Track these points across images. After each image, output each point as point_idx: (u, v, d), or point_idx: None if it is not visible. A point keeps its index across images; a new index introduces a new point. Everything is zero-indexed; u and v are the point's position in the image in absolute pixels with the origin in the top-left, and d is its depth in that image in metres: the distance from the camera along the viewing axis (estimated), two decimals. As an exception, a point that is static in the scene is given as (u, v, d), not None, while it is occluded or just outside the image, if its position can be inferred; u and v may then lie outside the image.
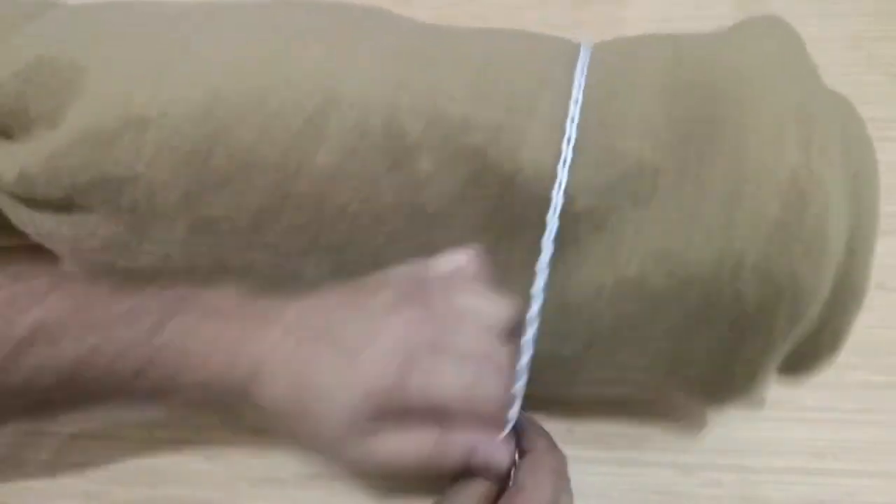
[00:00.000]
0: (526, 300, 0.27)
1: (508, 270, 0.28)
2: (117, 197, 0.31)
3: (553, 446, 0.28)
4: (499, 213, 0.27)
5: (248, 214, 0.29)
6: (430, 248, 0.28)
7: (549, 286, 0.27)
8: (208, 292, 0.27)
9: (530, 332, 0.26)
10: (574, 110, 0.26)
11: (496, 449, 0.25)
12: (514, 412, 0.26)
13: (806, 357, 0.28)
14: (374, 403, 0.24)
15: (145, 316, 0.26)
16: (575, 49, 0.29)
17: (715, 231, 0.24)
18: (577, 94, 0.27)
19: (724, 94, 0.26)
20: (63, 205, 0.33)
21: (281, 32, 0.30)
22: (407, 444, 0.24)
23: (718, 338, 0.26)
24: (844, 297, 0.26)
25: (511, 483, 0.26)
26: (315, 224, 0.29)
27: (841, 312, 0.27)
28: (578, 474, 0.33)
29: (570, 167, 0.26)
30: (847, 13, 0.48)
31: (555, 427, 0.32)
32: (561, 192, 0.26)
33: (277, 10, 0.32)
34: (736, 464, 0.33)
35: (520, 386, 0.26)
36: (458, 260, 0.28)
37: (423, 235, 0.28)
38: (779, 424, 0.34)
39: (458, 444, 0.25)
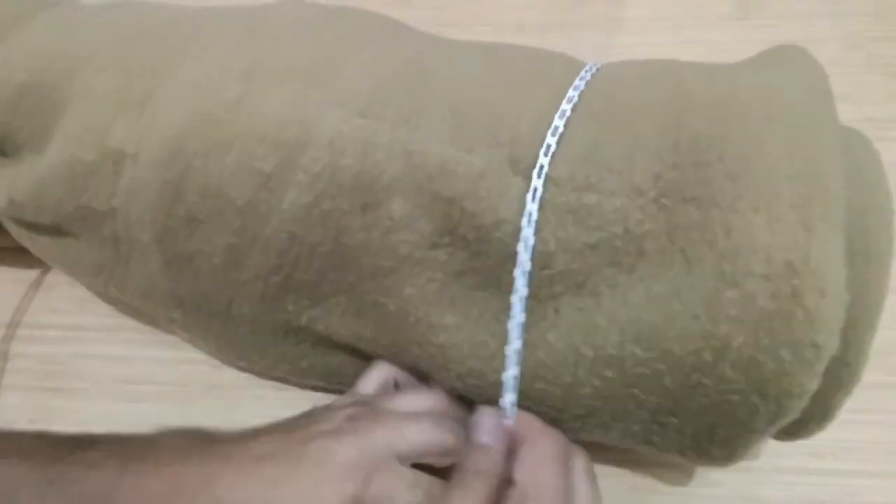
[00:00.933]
0: (500, 356, 0.26)
1: (481, 322, 0.27)
2: (98, 228, 0.31)
3: (545, 428, 0.26)
4: (475, 262, 0.26)
5: (220, 253, 0.29)
6: (403, 288, 0.27)
7: (526, 344, 0.26)
8: (163, 437, 0.26)
9: (509, 401, 0.26)
10: (544, 171, 0.25)
11: None
12: None
13: (794, 429, 0.26)
14: None
15: (104, 466, 0.24)
16: (575, 76, 0.28)
17: (701, 311, 0.23)
18: (553, 145, 0.25)
19: (725, 154, 0.23)
20: (52, 229, 0.33)
21: (259, 63, 0.29)
22: None
23: (696, 420, 0.25)
24: (837, 382, 0.24)
25: (512, 481, 0.25)
26: (288, 264, 0.28)
27: (832, 395, 0.25)
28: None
29: (552, 225, 0.25)
30: (847, 13, 0.48)
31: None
32: (528, 253, 0.25)
33: (260, 34, 0.31)
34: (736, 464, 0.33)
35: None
36: (381, 376, 0.29)
37: (395, 276, 0.27)
38: (779, 424, 0.34)
39: None
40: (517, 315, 0.25)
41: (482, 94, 0.28)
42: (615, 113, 0.26)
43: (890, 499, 0.32)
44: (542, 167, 0.25)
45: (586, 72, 0.28)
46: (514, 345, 0.26)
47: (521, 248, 0.25)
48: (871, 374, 0.33)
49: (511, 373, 0.26)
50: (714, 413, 0.24)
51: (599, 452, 0.34)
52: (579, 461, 0.27)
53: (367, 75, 0.28)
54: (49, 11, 0.35)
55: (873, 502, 0.32)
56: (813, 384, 0.22)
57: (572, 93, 0.27)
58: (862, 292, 0.23)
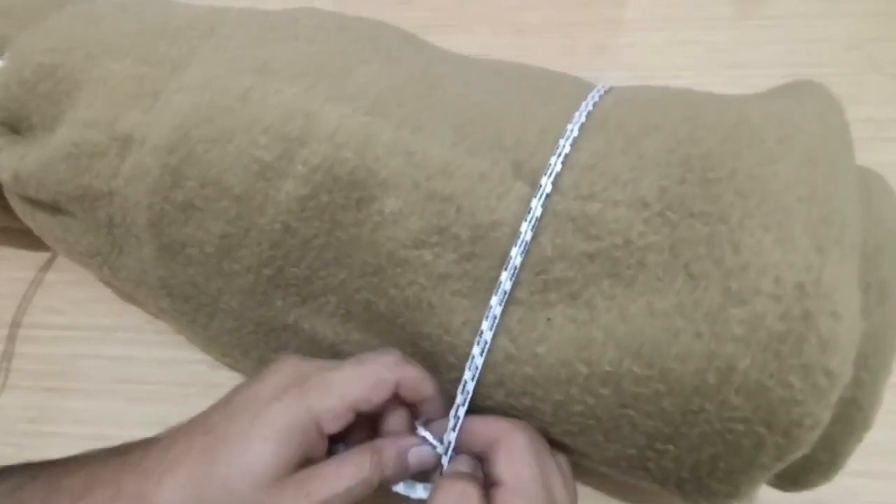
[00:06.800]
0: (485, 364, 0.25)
1: (464, 331, 0.25)
2: (94, 210, 0.32)
3: (515, 424, 0.25)
4: (465, 265, 0.25)
5: (214, 241, 0.29)
6: (388, 289, 0.26)
7: (513, 358, 0.24)
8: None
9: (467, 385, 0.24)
10: (553, 171, 0.24)
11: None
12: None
13: (797, 475, 0.24)
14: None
15: None
16: (585, 96, 0.28)
17: (705, 329, 0.21)
18: (563, 148, 0.24)
19: (737, 172, 0.22)
20: (52, 208, 0.34)
21: (273, 60, 0.30)
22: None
23: (696, 450, 0.23)
24: (848, 427, 0.23)
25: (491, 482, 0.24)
26: (280, 257, 0.28)
27: (841, 441, 0.23)
28: (577, 474, 0.33)
29: (550, 231, 0.24)
30: (847, 13, 0.47)
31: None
32: (520, 253, 0.23)
33: (277, 34, 0.31)
34: (736, 464, 0.33)
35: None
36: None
37: (383, 274, 0.26)
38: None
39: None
40: (494, 307, 0.24)
41: (490, 104, 0.27)
42: (624, 128, 0.25)
43: (890, 499, 0.32)
44: (551, 170, 0.24)
45: (596, 92, 0.28)
46: (485, 335, 0.24)
47: (514, 251, 0.23)
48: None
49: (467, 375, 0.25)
50: (716, 443, 0.22)
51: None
52: (552, 452, 0.26)
53: (377, 79, 0.28)
54: (73, 5, 0.36)
55: (874, 502, 0.32)
56: (825, 415, 0.20)
57: (582, 108, 0.26)
58: (875, 330, 0.22)
